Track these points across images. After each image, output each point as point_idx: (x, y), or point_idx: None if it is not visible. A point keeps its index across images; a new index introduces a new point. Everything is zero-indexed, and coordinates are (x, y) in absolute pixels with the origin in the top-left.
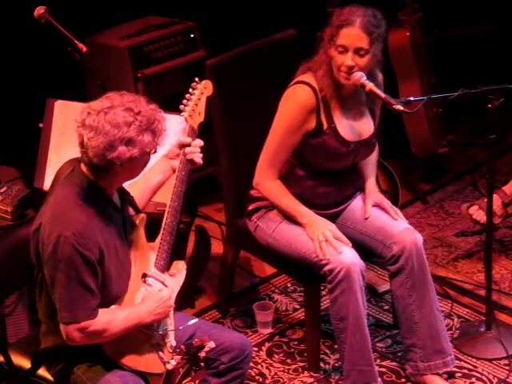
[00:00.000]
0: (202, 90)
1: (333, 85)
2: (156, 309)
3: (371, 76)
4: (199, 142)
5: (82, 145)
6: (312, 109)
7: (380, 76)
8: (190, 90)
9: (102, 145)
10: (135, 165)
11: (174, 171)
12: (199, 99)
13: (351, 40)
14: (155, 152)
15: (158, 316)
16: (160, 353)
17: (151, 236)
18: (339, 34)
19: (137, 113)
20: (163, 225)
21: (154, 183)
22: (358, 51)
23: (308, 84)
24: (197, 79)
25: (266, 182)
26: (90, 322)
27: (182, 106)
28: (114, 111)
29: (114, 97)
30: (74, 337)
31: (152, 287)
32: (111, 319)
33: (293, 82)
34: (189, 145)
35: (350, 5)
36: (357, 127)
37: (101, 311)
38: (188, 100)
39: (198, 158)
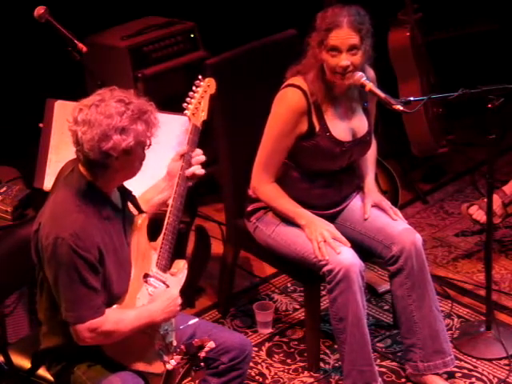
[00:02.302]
0: (205, 88)
1: (324, 87)
2: (167, 307)
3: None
4: (199, 152)
5: (76, 143)
6: (303, 111)
7: (371, 72)
8: (194, 88)
9: (97, 136)
10: (131, 160)
11: None
12: (202, 97)
13: (342, 41)
14: (150, 145)
15: (168, 315)
16: (160, 352)
17: (153, 236)
18: (329, 37)
19: (128, 103)
20: (165, 224)
21: (154, 203)
22: (350, 50)
23: (298, 87)
24: (200, 77)
25: (263, 185)
26: (100, 322)
27: (185, 105)
28: (105, 103)
29: (105, 91)
30: (84, 337)
31: (154, 287)
32: (121, 319)
33: (283, 86)
34: (186, 153)
35: (333, 6)
36: (350, 126)
37: (109, 310)
38: (191, 98)
39: (199, 169)
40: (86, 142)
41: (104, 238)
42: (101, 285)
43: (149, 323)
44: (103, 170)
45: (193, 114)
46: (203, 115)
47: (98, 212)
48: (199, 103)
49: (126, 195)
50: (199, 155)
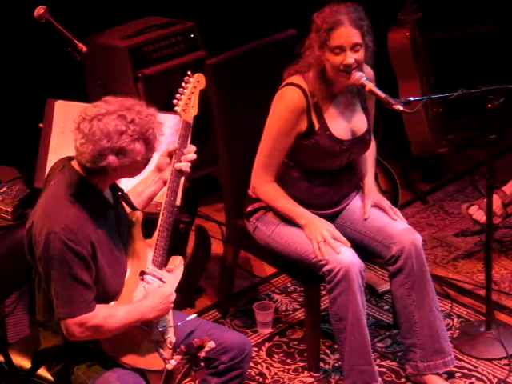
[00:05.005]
0: (194, 84)
1: (324, 86)
2: (158, 305)
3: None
4: (192, 148)
5: (75, 147)
6: (302, 110)
7: (369, 71)
8: (183, 84)
9: (92, 153)
10: (130, 169)
11: (165, 183)
12: (192, 93)
13: (346, 39)
14: (152, 157)
15: (160, 312)
16: (160, 349)
17: (148, 233)
18: (332, 36)
19: (130, 121)
20: (159, 221)
21: (145, 196)
22: (353, 47)
23: (297, 85)
24: (189, 73)
25: (263, 185)
26: (89, 317)
27: (175, 101)
28: (106, 119)
29: (111, 102)
30: (73, 331)
31: (151, 284)
32: (111, 314)
33: (282, 85)
34: (177, 148)
35: (329, 5)
36: (349, 125)
37: (100, 306)
38: (181, 94)
39: (186, 166)
40: (82, 155)
41: (97, 232)
42: (93, 280)
43: (140, 320)
44: (99, 176)
45: (183, 109)
46: (193, 111)
47: (90, 207)
48: (189, 99)
49: (118, 192)
50: (191, 152)
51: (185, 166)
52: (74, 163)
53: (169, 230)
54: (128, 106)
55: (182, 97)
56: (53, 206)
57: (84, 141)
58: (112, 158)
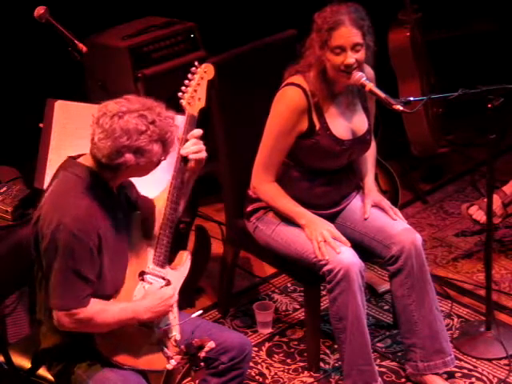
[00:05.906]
0: (201, 75)
1: (325, 86)
2: (156, 306)
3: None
4: (198, 132)
5: (93, 141)
6: (303, 110)
7: (369, 70)
8: (189, 76)
9: (110, 149)
10: (144, 168)
11: (195, 174)
12: (199, 84)
13: (346, 39)
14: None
15: (156, 314)
16: (164, 348)
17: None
18: (332, 36)
19: (150, 122)
20: (162, 219)
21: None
22: (354, 47)
23: (298, 85)
24: (196, 63)
25: (263, 185)
26: (81, 309)
27: (180, 94)
28: (127, 116)
29: (132, 100)
30: (63, 322)
31: (152, 284)
32: (104, 309)
33: (283, 84)
34: (181, 143)
35: (330, 5)
36: (350, 125)
37: (94, 300)
38: (187, 86)
39: (198, 154)
40: (99, 150)
41: (105, 226)
42: (95, 274)
43: (133, 318)
44: (112, 172)
45: (188, 102)
46: (200, 103)
47: (100, 200)
48: (195, 91)
49: (123, 190)
50: (196, 134)
51: (193, 152)
52: (84, 159)
53: (171, 228)
54: (149, 106)
55: (188, 89)
56: (62, 196)
57: (103, 136)
58: (129, 156)
